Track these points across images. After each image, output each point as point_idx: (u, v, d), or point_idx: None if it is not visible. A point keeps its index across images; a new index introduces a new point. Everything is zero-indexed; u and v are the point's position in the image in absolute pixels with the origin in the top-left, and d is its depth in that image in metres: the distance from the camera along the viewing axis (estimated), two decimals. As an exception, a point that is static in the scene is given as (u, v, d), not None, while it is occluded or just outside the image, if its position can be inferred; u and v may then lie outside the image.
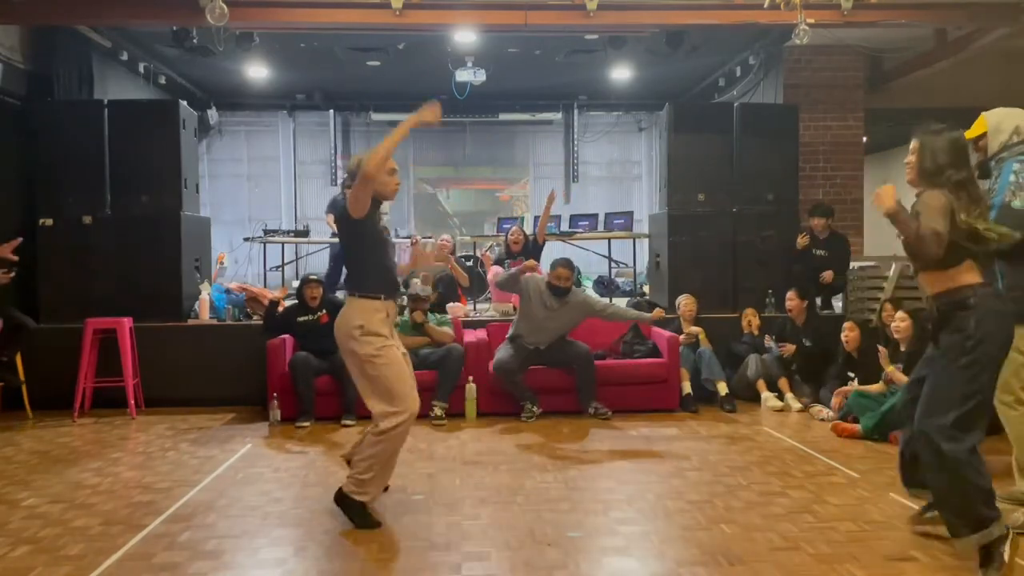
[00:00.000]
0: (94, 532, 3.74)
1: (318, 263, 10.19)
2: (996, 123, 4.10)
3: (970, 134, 4.20)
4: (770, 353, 6.70)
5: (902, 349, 5.63)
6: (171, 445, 5.45)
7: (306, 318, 6.33)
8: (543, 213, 7.79)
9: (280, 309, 6.56)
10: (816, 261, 7.21)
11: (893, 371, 5.48)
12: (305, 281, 6.45)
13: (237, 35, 7.81)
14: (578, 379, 6.22)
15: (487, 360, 6.31)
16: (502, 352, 6.23)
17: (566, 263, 6.26)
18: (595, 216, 9.09)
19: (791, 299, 6.77)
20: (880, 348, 5.68)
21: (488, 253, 8.64)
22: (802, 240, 7.23)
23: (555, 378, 6.26)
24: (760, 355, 6.66)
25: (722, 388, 6.48)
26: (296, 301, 6.56)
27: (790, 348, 6.65)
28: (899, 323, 5.65)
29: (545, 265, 7.61)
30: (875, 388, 5.66)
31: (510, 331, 6.34)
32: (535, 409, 6.11)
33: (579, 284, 10.75)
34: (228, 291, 7.22)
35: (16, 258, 4.48)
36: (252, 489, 4.42)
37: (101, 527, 3.81)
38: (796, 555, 3.38)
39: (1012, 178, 3.94)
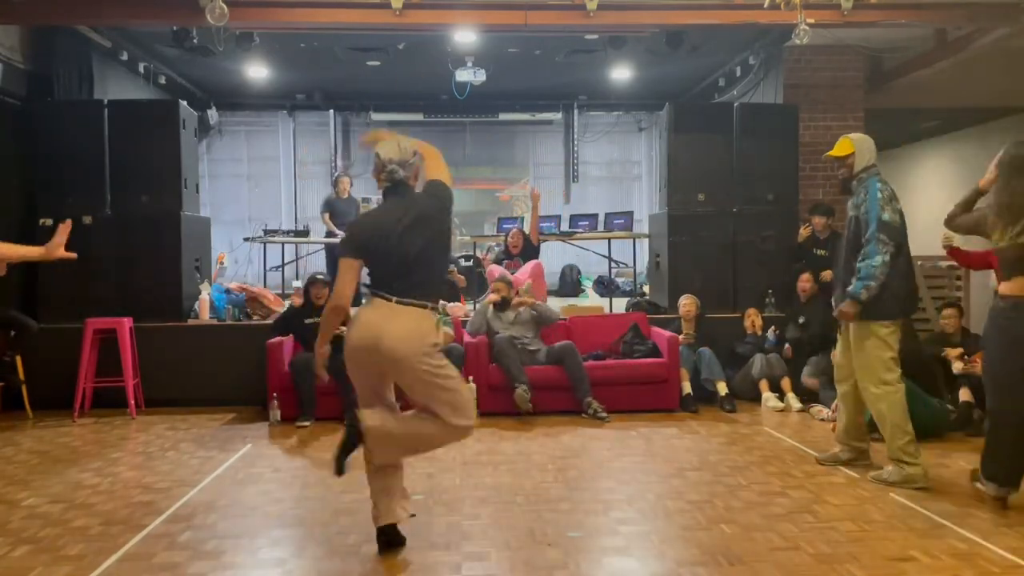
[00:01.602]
0: (94, 532, 3.74)
1: (318, 263, 10.19)
2: (860, 145, 4.47)
3: (837, 153, 4.55)
4: (768, 343, 6.75)
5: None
6: (171, 445, 5.45)
7: (313, 320, 6.15)
8: (532, 214, 7.92)
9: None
10: (817, 261, 7.21)
11: None
12: (312, 281, 6.40)
13: (237, 35, 7.80)
14: (568, 374, 6.25)
15: (487, 360, 6.31)
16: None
17: (501, 277, 6.83)
18: (595, 216, 9.08)
19: (806, 279, 6.85)
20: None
21: (488, 255, 8.66)
22: (804, 231, 7.23)
23: (552, 375, 6.27)
24: (765, 355, 6.66)
25: (722, 388, 6.48)
26: (293, 303, 6.54)
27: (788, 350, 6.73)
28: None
29: (545, 265, 7.65)
30: None
31: None
32: (527, 393, 6.06)
33: (579, 285, 10.88)
34: (228, 291, 7.21)
35: (73, 256, 4.23)
36: (252, 489, 4.42)
37: (101, 527, 3.81)
38: (796, 555, 3.38)
39: (879, 195, 4.32)
